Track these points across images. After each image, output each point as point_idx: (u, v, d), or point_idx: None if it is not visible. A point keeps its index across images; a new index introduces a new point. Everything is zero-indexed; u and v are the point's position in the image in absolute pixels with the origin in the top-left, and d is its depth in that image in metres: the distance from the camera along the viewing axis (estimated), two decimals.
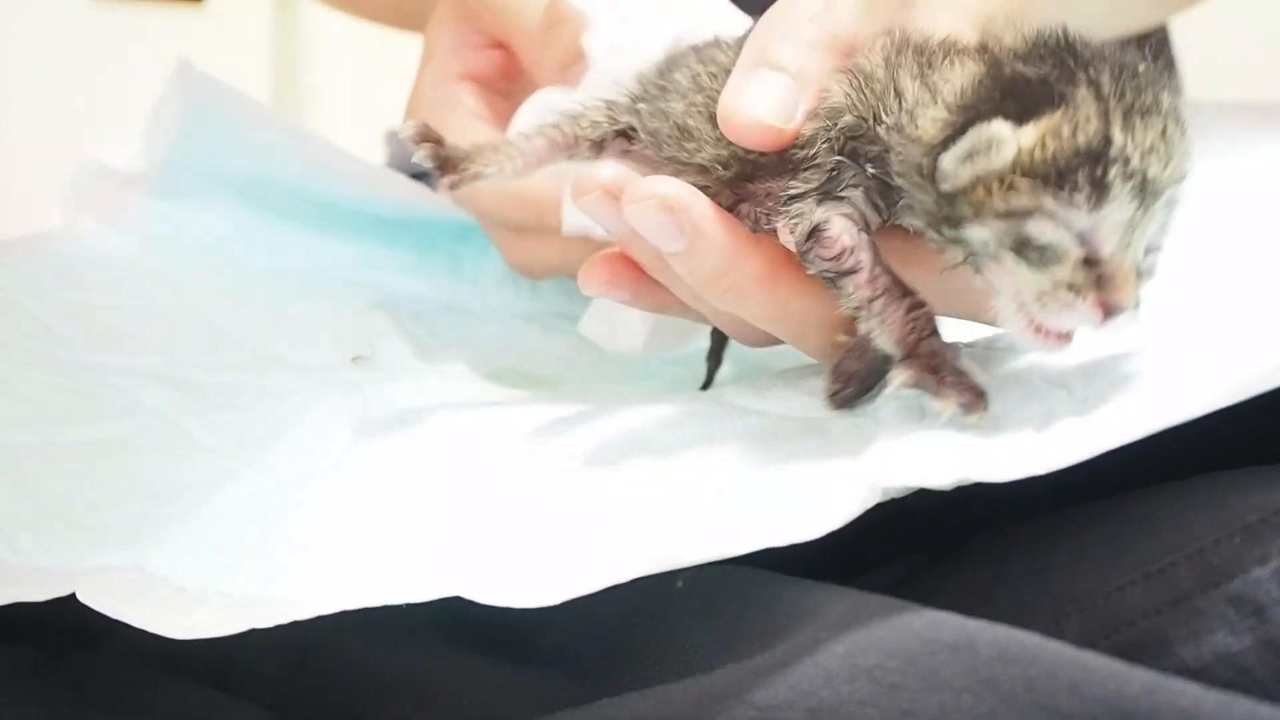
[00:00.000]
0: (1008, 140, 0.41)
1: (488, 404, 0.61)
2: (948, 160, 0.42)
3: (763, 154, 0.47)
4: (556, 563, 0.43)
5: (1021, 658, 0.36)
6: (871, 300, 0.45)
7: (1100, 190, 0.40)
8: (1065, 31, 0.43)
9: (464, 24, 0.69)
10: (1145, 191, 0.40)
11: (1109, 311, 0.41)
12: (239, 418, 0.58)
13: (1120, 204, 0.40)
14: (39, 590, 0.46)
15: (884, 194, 0.45)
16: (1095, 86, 0.41)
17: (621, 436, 0.52)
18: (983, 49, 0.44)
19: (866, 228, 0.46)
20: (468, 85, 0.68)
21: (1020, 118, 0.41)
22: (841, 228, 0.45)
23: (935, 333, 0.45)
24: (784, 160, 0.47)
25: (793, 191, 0.46)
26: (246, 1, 2.01)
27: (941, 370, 0.43)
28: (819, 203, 0.45)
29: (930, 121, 0.43)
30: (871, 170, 0.45)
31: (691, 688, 0.40)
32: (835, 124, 0.45)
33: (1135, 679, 0.35)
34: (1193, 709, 0.34)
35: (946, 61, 0.44)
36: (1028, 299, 0.42)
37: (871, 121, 0.45)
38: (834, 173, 0.45)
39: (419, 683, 0.46)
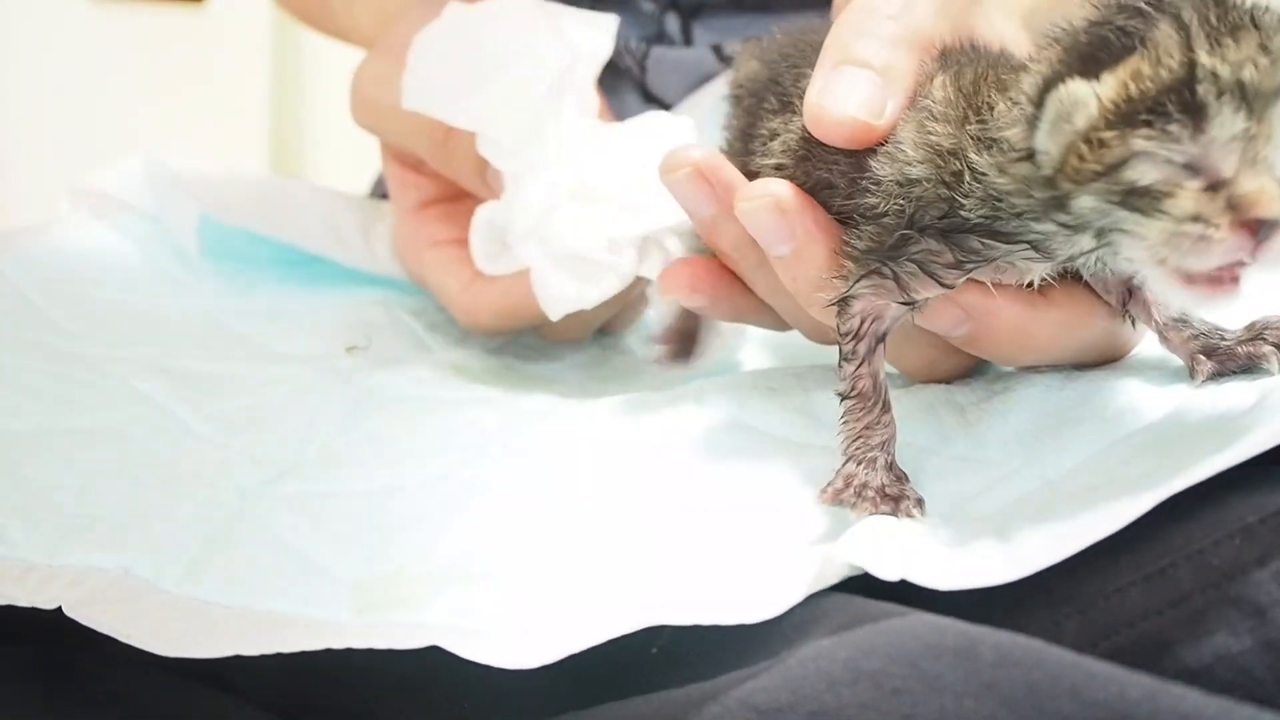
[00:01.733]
0: (1086, 97, 0.39)
1: (479, 400, 0.61)
2: (1038, 138, 0.40)
3: (836, 174, 0.48)
4: (537, 627, 0.43)
5: (1023, 662, 0.36)
6: (845, 396, 0.47)
7: (1196, 112, 0.38)
8: None
9: (397, 160, 0.71)
10: (1250, 99, 0.38)
11: (1257, 230, 0.38)
12: (231, 405, 0.59)
13: (1224, 119, 0.38)
14: (23, 592, 0.46)
15: (960, 249, 0.45)
16: (1176, 20, 0.39)
17: (604, 458, 0.53)
18: (1055, 42, 0.42)
19: (910, 301, 0.46)
20: (426, 213, 0.71)
21: (1098, 73, 0.39)
22: (860, 310, 0.46)
23: (883, 448, 0.46)
24: (855, 188, 0.47)
25: (855, 244, 0.47)
26: (246, 1, 2.01)
27: (865, 490, 0.45)
28: (866, 274, 0.46)
29: (1013, 122, 0.42)
30: (936, 239, 0.45)
31: (694, 692, 0.40)
32: (910, 195, 0.45)
33: (1136, 684, 0.35)
34: (1194, 714, 0.34)
35: (1021, 72, 0.43)
36: (1161, 251, 0.40)
37: (951, 181, 0.44)
38: (897, 242, 0.45)
39: (421, 683, 0.46)
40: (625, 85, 0.80)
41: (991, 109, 0.43)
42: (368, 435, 0.57)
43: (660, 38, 0.80)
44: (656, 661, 0.43)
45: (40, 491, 0.52)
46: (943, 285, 0.46)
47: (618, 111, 0.77)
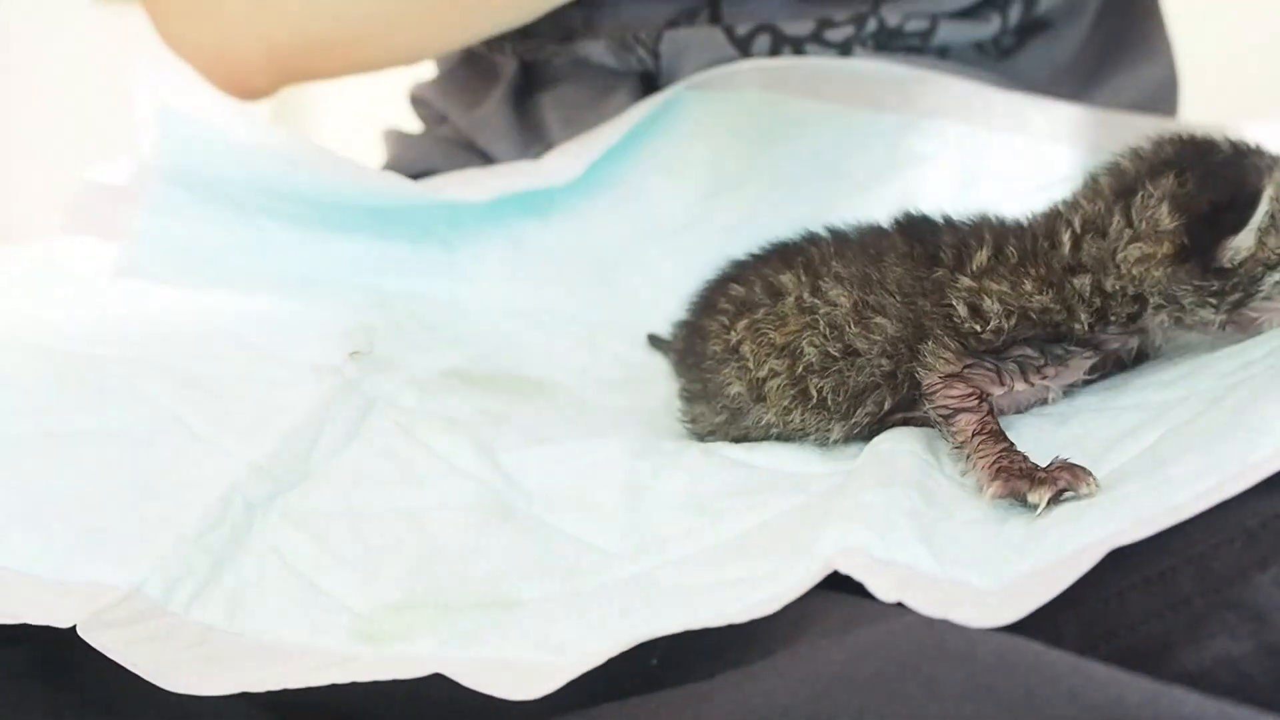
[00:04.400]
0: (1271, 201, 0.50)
1: (481, 416, 0.61)
2: (1241, 239, 0.50)
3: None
4: (539, 656, 0.44)
5: (1021, 665, 0.36)
6: (974, 435, 0.50)
7: None
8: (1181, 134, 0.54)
9: None
10: None
11: None
12: (234, 409, 0.58)
13: None
14: (37, 610, 0.46)
15: (1049, 355, 0.53)
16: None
17: (606, 490, 0.53)
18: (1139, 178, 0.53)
19: (1004, 388, 0.53)
20: None
21: (1246, 190, 0.51)
22: (977, 381, 0.52)
23: (1026, 459, 0.48)
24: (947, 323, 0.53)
25: (948, 348, 0.52)
26: None
27: (1035, 473, 0.46)
28: (969, 364, 0.52)
29: (1153, 244, 0.51)
30: (1034, 347, 0.53)
31: (692, 693, 0.40)
32: (1020, 319, 0.52)
33: (1136, 687, 0.35)
34: (1193, 717, 0.34)
35: (1121, 209, 0.52)
36: None
37: (1059, 307, 0.53)
38: (1001, 347, 0.52)
39: (421, 683, 0.46)
40: (624, 86, 0.80)
41: (1067, 247, 0.53)
42: (374, 450, 0.57)
43: (675, 22, 0.79)
44: (655, 668, 0.43)
45: (44, 497, 0.51)
46: (1028, 383, 0.53)
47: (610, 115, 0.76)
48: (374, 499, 0.53)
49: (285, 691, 0.47)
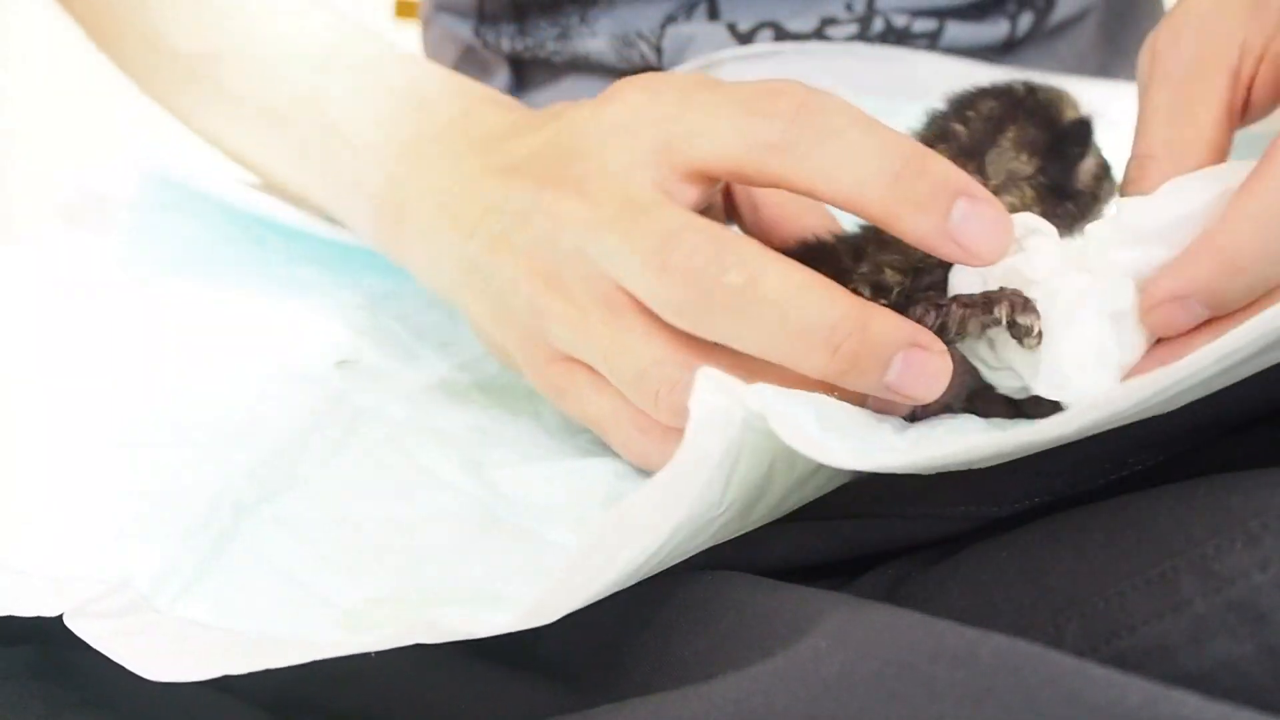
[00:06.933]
0: None
1: (469, 431, 0.61)
2: (1090, 160, 0.56)
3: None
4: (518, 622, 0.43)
5: (1022, 667, 0.36)
6: (959, 307, 0.50)
7: None
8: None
9: None
10: None
11: None
12: (224, 413, 0.58)
13: None
14: (22, 603, 0.46)
15: None
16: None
17: (592, 505, 0.53)
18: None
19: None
20: None
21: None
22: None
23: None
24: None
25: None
26: None
27: (989, 295, 0.49)
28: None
29: (1018, 193, 0.55)
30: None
31: (690, 695, 0.40)
32: (915, 274, 0.55)
33: (1136, 689, 0.34)
34: (1194, 718, 0.34)
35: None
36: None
37: None
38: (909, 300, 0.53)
39: (417, 686, 0.46)
40: None
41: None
42: (363, 460, 0.57)
43: (673, 17, 0.79)
44: (652, 664, 0.43)
45: (34, 494, 0.52)
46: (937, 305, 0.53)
47: None
48: (362, 507, 0.54)
49: (283, 691, 0.47)
